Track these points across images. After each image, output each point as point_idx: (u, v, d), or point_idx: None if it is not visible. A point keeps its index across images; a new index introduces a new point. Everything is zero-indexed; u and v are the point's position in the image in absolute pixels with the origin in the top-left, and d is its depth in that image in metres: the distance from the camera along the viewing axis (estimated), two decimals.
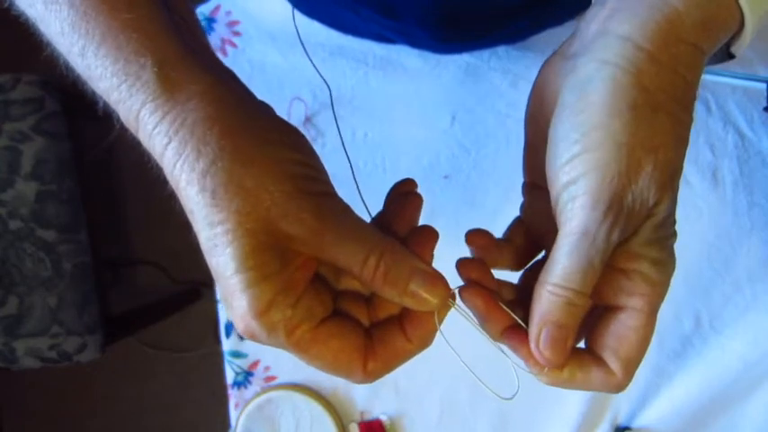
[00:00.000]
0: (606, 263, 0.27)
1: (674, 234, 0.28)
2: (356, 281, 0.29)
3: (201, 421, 1.45)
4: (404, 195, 0.32)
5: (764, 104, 0.54)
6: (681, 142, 0.26)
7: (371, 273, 0.26)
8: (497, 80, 0.59)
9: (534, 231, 0.33)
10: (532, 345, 0.28)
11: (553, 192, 0.27)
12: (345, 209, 0.28)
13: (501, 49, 0.59)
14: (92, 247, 1.06)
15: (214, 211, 0.25)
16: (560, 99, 0.27)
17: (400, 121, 0.60)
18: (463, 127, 0.60)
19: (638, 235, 0.27)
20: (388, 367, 0.28)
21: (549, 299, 0.27)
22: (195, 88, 0.26)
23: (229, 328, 0.64)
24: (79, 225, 1.04)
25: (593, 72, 0.26)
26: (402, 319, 0.28)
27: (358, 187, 0.36)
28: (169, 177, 0.26)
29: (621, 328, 0.28)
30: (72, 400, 1.55)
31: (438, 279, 0.28)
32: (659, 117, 0.25)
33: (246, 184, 0.25)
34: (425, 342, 0.28)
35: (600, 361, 0.29)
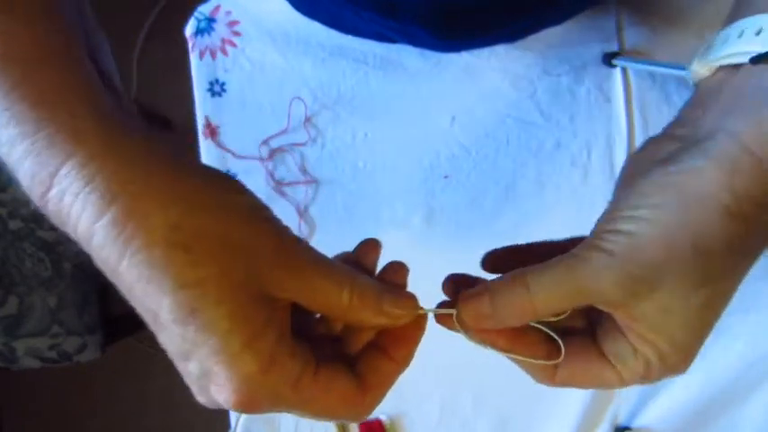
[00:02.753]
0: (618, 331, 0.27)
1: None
2: (320, 324, 0.29)
3: (201, 421, 1.45)
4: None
5: None
6: (739, 259, 0.26)
7: (347, 303, 0.26)
8: (497, 80, 0.59)
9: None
10: (464, 298, 0.28)
11: (593, 230, 0.27)
12: (311, 247, 0.27)
13: (501, 49, 0.59)
14: None
15: (188, 269, 0.23)
16: (647, 167, 0.27)
17: (400, 121, 0.60)
18: (463, 127, 0.60)
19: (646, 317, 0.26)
20: (382, 393, 0.28)
21: (513, 289, 0.26)
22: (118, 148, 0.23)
23: None
24: None
25: (690, 160, 0.26)
26: (383, 343, 0.28)
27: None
28: (99, 250, 0.23)
29: (596, 369, 0.28)
30: (72, 400, 1.55)
31: (405, 294, 0.28)
32: (729, 226, 0.25)
33: (222, 234, 0.23)
34: (410, 358, 0.29)
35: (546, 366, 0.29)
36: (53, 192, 0.23)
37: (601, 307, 0.27)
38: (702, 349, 0.58)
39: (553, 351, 0.29)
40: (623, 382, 0.28)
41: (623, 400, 0.59)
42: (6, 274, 1.00)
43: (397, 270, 0.30)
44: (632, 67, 0.57)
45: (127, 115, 0.26)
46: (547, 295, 0.26)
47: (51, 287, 1.00)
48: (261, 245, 0.24)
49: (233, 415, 0.64)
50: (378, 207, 0.60)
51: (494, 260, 0.32)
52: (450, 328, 0.29)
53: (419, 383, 0.60)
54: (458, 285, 0.30)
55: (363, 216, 0.60)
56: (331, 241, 0.62)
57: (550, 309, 0.26)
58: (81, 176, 0.23)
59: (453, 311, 0.28)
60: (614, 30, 0.58)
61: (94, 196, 0.23)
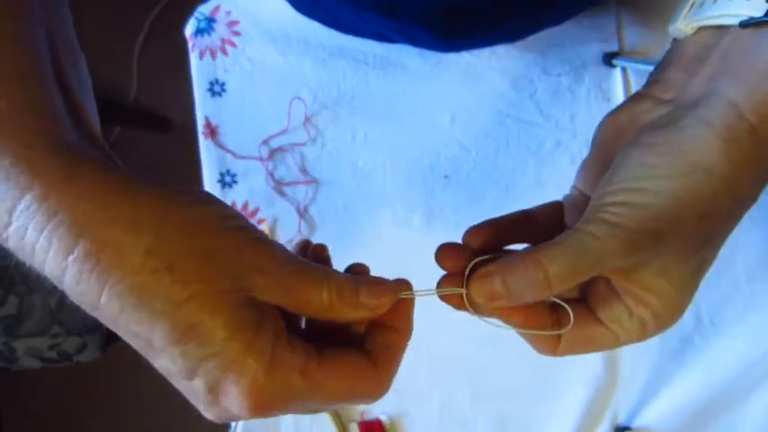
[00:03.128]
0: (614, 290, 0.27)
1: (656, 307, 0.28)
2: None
3: (202, 421, 1.45)
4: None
5: None
6: (735, 218, 0.27)
7: (327, 301, 0.26)
8: (497, 80, 0.59)
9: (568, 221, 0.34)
10: (473, 277, 0.28)
11: (593, 203, 0.27)
12: (287, 250, 0.27)
13: (501, 49, 0.59)
14: None
15: (177, 288, 0.23)
16: (643, 136, 0.27)
17: (400, 121, 0.60)
18: (463, 127, 0.60)
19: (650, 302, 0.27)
20: (394, 365, 0.28)
21: (528, 269, 0.26)
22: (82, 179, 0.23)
23: None
24: None
25: (688, 128, 0.26)
26: (381, 317, 0.29)
27: None
28: (74, 286, 0.23)
29: (593, 333, 0.29)
30: (72, 400, 1.55)
31: (379, 282, 0.28)
32: (728, 193, 0.26)
33: (199, 248, 0.23)
34: (410, 325, 0.29)
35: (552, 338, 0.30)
36: (12, 228, 0.22)
37: (604, 275, 0.27)
38: (702, 349, 0.58)
39: (556, 321, 0.29)
40: (620, 344, 0.29)
41: (623, 400, 0.59)
42: (6, 274, 0.99)
43: (358, 271, 0.30)
44: (632, 67, 0.57)
45: (86, 142, 0.25)
46: (561, 272, 0.26)
47: (51, 287, 1.00)
48: (238, 253, 0.24)
49: None
50: (378, 207, 0.60)
51: (475, 236, 0.32)
52: (458, 306, 0.29)
53: (419, 383, 0.60)
54: (455, 258, 0.30)
55: (363, 216, 0.61)
56: (331, 241, 0.62)
57: (565, 285, 0.26)
58: (42, 211, 0.22)
59: (463, 291, 0.29)
60: (614, 30, 0.58)
61: (61, 230, 0.22)
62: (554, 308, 0.29)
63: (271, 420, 0.63)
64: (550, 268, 0.26)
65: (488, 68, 0.59)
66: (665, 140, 0.26)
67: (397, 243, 0.59)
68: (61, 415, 1.57)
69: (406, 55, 0.60)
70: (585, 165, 0.34)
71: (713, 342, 0.57)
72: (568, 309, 0.28)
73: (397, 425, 0.61)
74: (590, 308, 0.29)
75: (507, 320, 0.29)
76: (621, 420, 0.60)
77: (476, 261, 0.29)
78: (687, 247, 0.26)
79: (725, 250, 0.62)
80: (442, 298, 0.30)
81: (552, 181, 0.58)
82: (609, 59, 0.57)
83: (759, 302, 0.56)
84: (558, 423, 0.60)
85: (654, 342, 0.58)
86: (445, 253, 0.30)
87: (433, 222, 0.59)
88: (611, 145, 0.31)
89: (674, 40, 0.32)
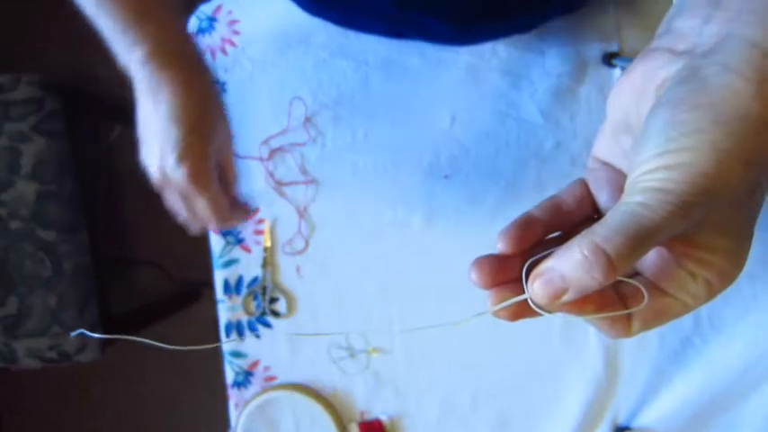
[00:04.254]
0: (677, 259, 0.26)
1: (749, 235, 0.27)
2: None
3: (201, 421, 1.45)
4: None
5: None
6: None
7: None
8: (497, 80, 0.59)
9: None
10: (530, 279, 0.26)
11: (633, 173, 0.26)
12: None
13: (501, 49, 0.59)
14: (92, 247, 1.06)
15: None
16: (667, 93, 0.27)
17: (400, 121, 0.60)
18: (463, 127, 0.60)
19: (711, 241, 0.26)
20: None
21: (576, 258, 0.25)
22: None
23: (229, 328, 0.64)
24: (79, 225, 1.04)
25: (713, 76, 0.25)
26: None
27: None
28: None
29: (661, 306, 0.28)
30: (72, 400, 1.55)
31: None
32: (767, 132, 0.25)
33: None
34: None
35: (625, 318, 0.29)
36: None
37: (662, 245, 0.26)
38: (702, 349, 0.58)
39: (622, 302, 0.28)
40: (691, 309, 0.28)
41: (623, 400, 0.59)
42: (6, 274, 0.99)
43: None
44: None
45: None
46: (622, 251, 0.24)
47: (51, 287, 1.00)
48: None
49: (233, 415, 0.64)
50: (378, 207, 0.60)
51: (512, 243, 0.30)
52: (513, 318, 0.28)
53: (419, 383, 0.60)
54: (493, 272, 0.29)
55: (363, 216, 0.61)
56: (331, 241, 0.62)
57: (629, 263, 0.25)
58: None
59: (527, 297, 0.27)
60: (614, 30, 0.58)
61: None
62: (617, 290, 0.28)
63: (271, 420, 0.63)
64: (609, 250, 0.24)
65: (488, 68, 0.59)
66: (692, 94, 0.25)
67: (397, 243, 0.59)
68: (61, 415, 1.57)
69: (407, 55, 0.60)
70: (602, 132, 0.33)
71: (713, 342, 0.57)
72: (639, 286, 0.27)
73: (397, 425, 0.61)
74: (650, 281, 0.28)
75: (580, 312, 0.27)
76: (621, 420, 0.60)
77: (530, 262, 0.27)
78: (739, 196, 0.25)
79: None
80: (495, 314, 0.28)
81: (552, 181, 0.58)
82: (609, 59, 0.57)
83: (759, 302, 0.56)
84: (558, 423, 0.60)
85: (654, 342, 0.58)
86: (483, 268, 0.29)
87: (433, 222, 0.59)
88: (629, 107, 0.30)
89: None
